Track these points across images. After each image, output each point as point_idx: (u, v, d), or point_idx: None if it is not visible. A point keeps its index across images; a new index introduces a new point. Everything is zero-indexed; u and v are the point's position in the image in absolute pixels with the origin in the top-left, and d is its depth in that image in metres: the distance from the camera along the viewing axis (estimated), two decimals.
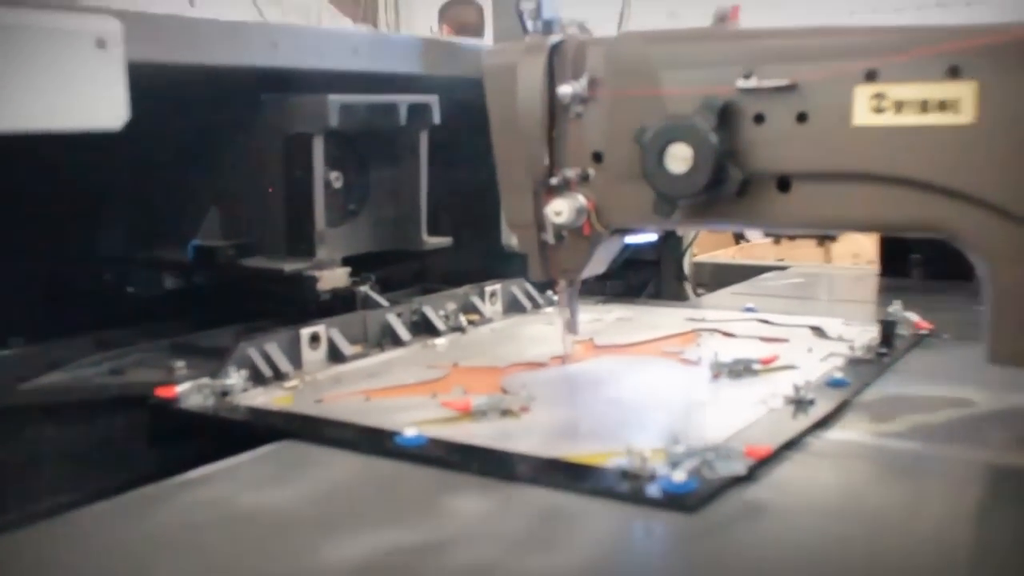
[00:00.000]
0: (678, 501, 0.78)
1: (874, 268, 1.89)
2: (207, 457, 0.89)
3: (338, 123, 1.19)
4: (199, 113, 1.20)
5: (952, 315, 1.36)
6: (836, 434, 0.94)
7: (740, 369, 1.11)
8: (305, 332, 1.14)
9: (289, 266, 1.20)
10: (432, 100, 1.32)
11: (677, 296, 1.94)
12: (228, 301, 1.29)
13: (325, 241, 1.23)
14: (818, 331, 1.32)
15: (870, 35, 0.88)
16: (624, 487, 0.80)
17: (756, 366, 1.12)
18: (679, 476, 0.80)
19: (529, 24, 1.06)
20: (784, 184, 0.94)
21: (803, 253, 2.38)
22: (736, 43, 0.94)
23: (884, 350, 1.19)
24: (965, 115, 0.85)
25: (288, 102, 1.21)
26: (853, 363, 1.14)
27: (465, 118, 1.43)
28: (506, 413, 0.98)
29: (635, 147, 0.97)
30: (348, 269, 1.24)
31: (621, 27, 1.78)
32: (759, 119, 0.93)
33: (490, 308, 1.41)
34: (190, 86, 1.11)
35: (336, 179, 1.30)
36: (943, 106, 0.85)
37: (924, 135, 0.86)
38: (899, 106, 0.87)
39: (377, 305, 1.29)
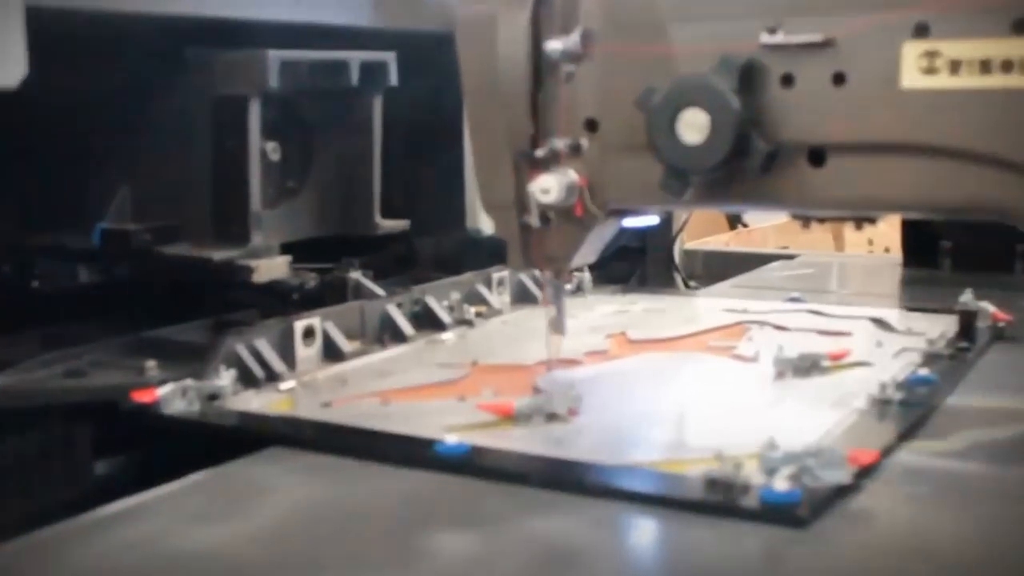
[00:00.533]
0: (785, 513, 0.78)
1: (896, 257, 1.90)
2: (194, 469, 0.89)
3: (278, 84, 1.18)
4: (110, 71, 1.18)
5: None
6: (932, 442, 0.96)
7: (807, 366, 1.13)
8: (299, 326, 1.15)
9: (218, 254, 1.19)
10: (389, 58, 1.31)
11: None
12: (141, 295, 1.28)
13: (261, 224, 1.22)
14: (881, 323, 1.35)
15: None
16: (716, 498, 0.80)
17: (825, 363, 1.14)
18: (781, 484, 0.80)
19: None
20: (817, 157, 0.93)
21: (810, 240, 2.39)
22: None
23: (965, 344, 1.21)
24: None
25: (217, 58, 1.20)
26: (932, 359, 1.17)
27: (428, 79, 1.41)
28: (552, 417, 1.00)
29: (637, 113, 0.96)
30: (288, 258, 1.23)
31: None
32: (788, 81, 0.92)
33: (498, 298, 1.45)
34: (99, 38, 1.09)
35: (273, 150, 1.28)
36: (1007, 66, 0.84)
37: (984, 100, 0.85)
38: (954, 66, 0.86)
39: (372, 295, 1.30)
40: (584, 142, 1.02)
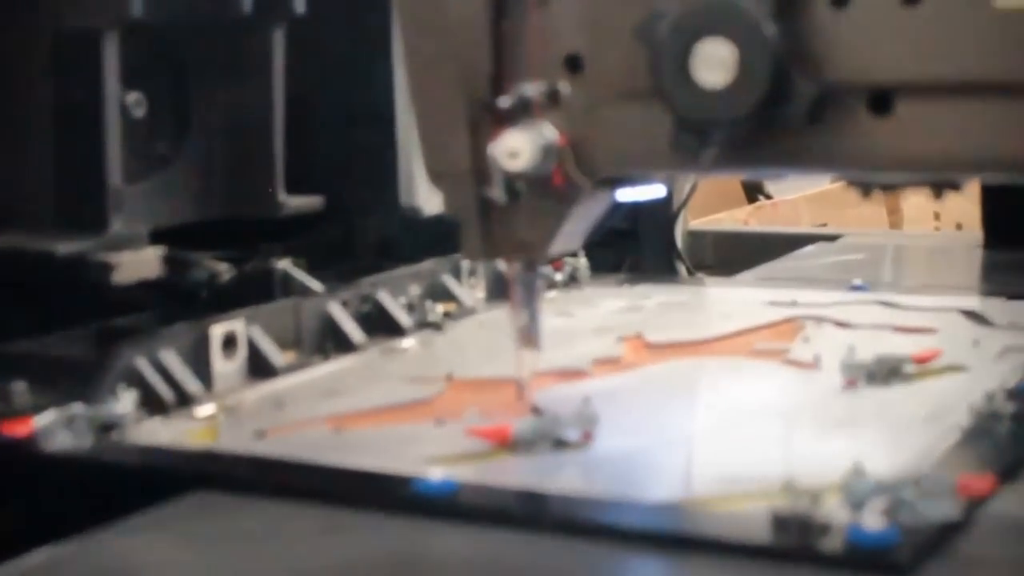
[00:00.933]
0: (879, 558, 0.79)
1: (973, 235, 1.91)
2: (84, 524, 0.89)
3: (143, 12, 1.17)
4: None
5: None
6: None
7: (886, 372, 1.16)
8: (216, 332, 1.17)
9: (64, 246, 1.17)
10: None
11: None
12: None
13: (123, 205, 1.21)
14: (975, 316, 1.39)
15: None
16: (790, 540, 0.81)
17: (909, 368, 1.17)
18: (873, 521, 0.80)
19: None
20: (881, 102, 0.93)
21: (857, 215, 2.41)
22: None
23: None
24: None
25: None
26: None
27: (342, 7, 1.42)
28: (561, 443, 1.02)
29: (637, 48, 0.96)
30: (159, 250, 1.23)
31: None
32: (841, 0, 0.92)
33: (470, 293, 1.48)
34: None
35: (136, 104, 1.28)
36: None
37: None
38: None
39: (306, 291, 1.32)
40: (564, 87, 1.02)
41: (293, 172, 1.38)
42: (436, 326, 1.38)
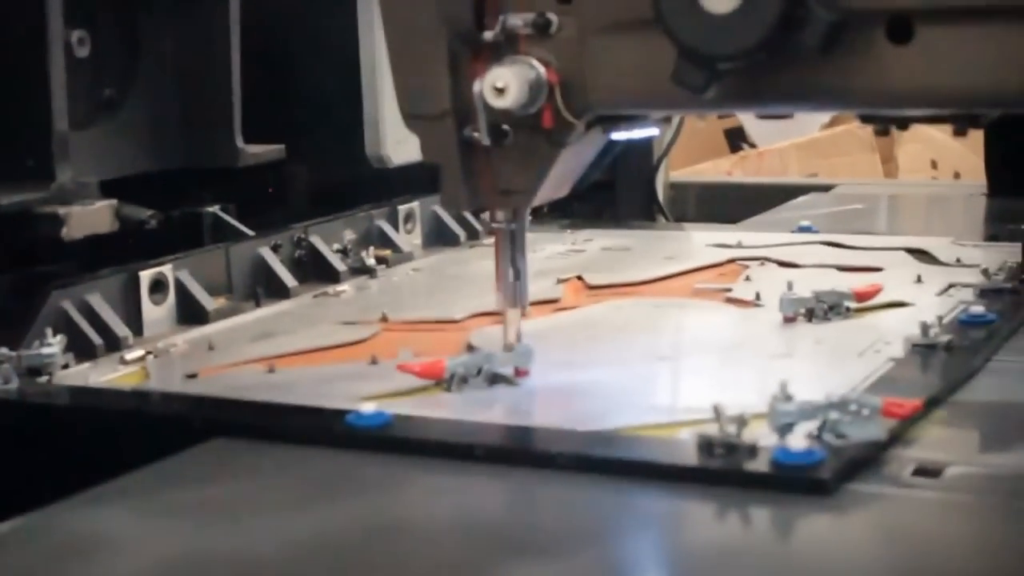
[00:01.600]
0: (804, 478, 0.83)
1: (976, 184, 1.91)
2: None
3: None
4: None
5: None
6: (987, 389, 1.03)
7: (826, 308, 1.21)
8: (145, 277, 1.20)
9: (8, 197, 1.17)
10: None
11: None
12: None
13: (69, 153, 1.21)
14: (922, 255, 1.45)
15: None
16: (716, 463, 0.85)
17: (849, 303, 1.22)
18: (798, 443, 0.85)
19: None
20: (900, 30, 0.92)
21: (850, 164, 2.41)
22: None
23: None
24: None
25: None
26: (990, 295, 1.25)
27: None
28: (496, 379, 1.05)
29: None
30: (112, 202, 1.23)
31: None
32: None
33: (407, 239, 1.53)
34: None
35: (80, 42, 1.28)
36: None
37: None
38: None
39: (239, 235, 1.36)
40: (553, 17, 1.01)
41: (251, 118, 1.38)
42: (370, 272, 1.42)
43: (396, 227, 1.50)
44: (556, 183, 1.09)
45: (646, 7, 0.94)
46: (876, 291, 1.24)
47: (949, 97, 0.94)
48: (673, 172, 2.10)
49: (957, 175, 2.49)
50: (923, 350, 1.08)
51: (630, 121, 1.09)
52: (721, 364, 1.12)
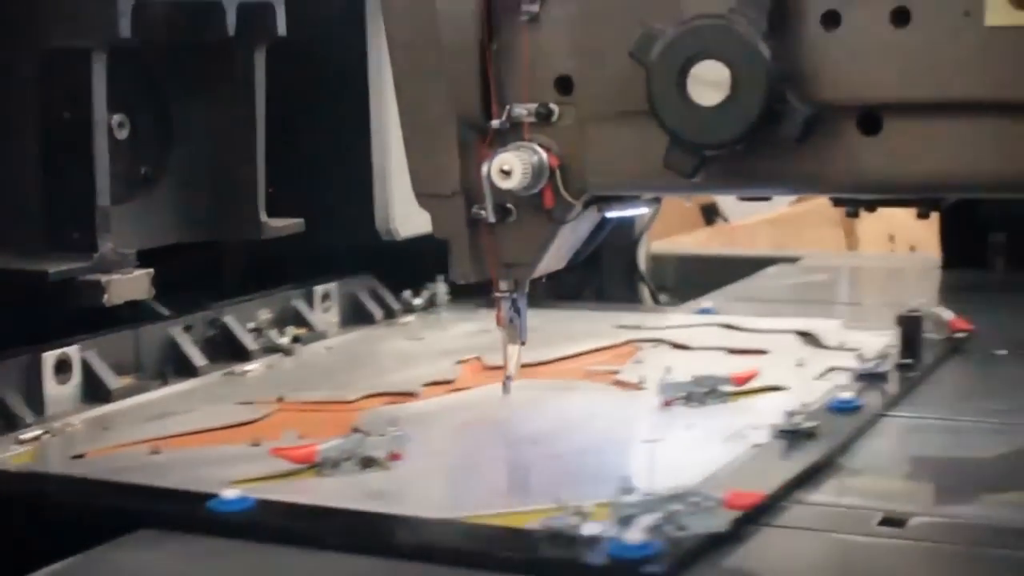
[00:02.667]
0: (640, 570, 0.80)
1: (932, 257, 1.92)
2: None
3: (131, 33, 1.17)
4: None
5: None
6: (847, 480, 0.99)
7: (702, 393, 1.17)
8: (48, 357, 1.17)
9: (55, 267, 1.17)
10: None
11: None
12: None
13: (110, 226, 1.20)
14: (809, 338, 1.41)
15: None
16: (554, 553, 0.83)
17: (726, 387, 1.18)
18: (633, 536, 0.82)
19: None
20: (871, 122, 0.94)
21: (816, 237, 2.42)
22: None
23: (908, 360, 1.26)
24: None
25: None
26: (865, 379, 1.22)
27: (324, 28, 1.42)
28: (369, 463, 1.01)
29: (625, 68, 0.97)
30: (149, 272, 1.22)
31: None
32: (832, 20, 0.93)
33: (323, 317, 1.48)
34: None
35: (120, 125, 1.28)
36: None
37: None
38: None
39: (155, 315, 1.31)
40: (554, 107, 1.02)
41: (271, 196, 1.38)
42: (285, 350, 1.38)
43: (311, 306, 1.47)
44: (554, 257, 1.10)
45: (640, 99, 0.95)
46: (752, 375, 1.21)
47: (914, 184, 0.95)
48: (653, 243, 2.11)
49: (913, 248, 2.50)
50: (787, 436, 1.04)
51: (623, 201, 1.09)
52: (590, 449, 1.08)
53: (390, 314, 1.56)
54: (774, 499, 0.92)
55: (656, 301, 1.97)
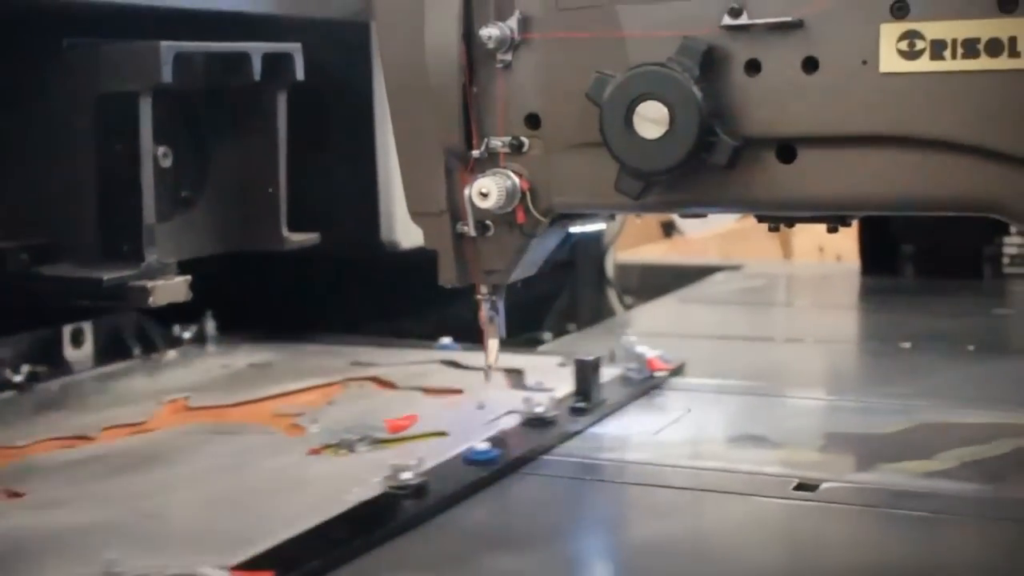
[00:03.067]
0: None
1: (853, 265, 1.94)
2: None
3: (172, 78, 1.16)
4: None
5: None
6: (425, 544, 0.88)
7: (353, 439, 1.08)
8: None
9: (109, 274, 1.17)
10: (294, 49, 1.31)
11: (599, 310, 1.96)
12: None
13: (155, 240, 1.20)
14: (516, 375, 1.31)
15: None
16: None
17: (380, 434, 1.10)
18: None
19: None
20: (787, 152, 0.94)
21: (757, 248, 2.43)
22: None
23: (581, 404, 1.17)
24: None
25: (102, 49, 1.18)
26: (527, 426, 1.13)
27: (337, 74, 1.42)
28: None
29: (583, 106, 0.97)
30: (188, 278, 1.21)
31: None
32: (753, 68, 0.94)
33: (74, 354, 1.38)
34: None
35: (164, 156, 1.28)
36: (994, 48, 0.86)
37: (970, 84, 0.87)
38: (938, 48, 0.88)
39: None
40: (525, 140, 1.03)
41: (292, 213, 1.37)
42: (18, 386, 1.29)
43: (60, 343, 1.37)
44: (527, 265, 1.10)
45: (596, 133, 0.96)
46: (408, 423, 1.13)
47: (825, 205, 0.96)
48: (619, 254, 2.12)
49: (839, 258, 2.51)
50: (395, 493, 0.94)
51: (584, 218, 1.09)
52: (201, 504, 0.97)
53: (149, 347, 1.46)
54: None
55: (622, 303, 1.99)
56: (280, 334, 1.53)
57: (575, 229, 1.11)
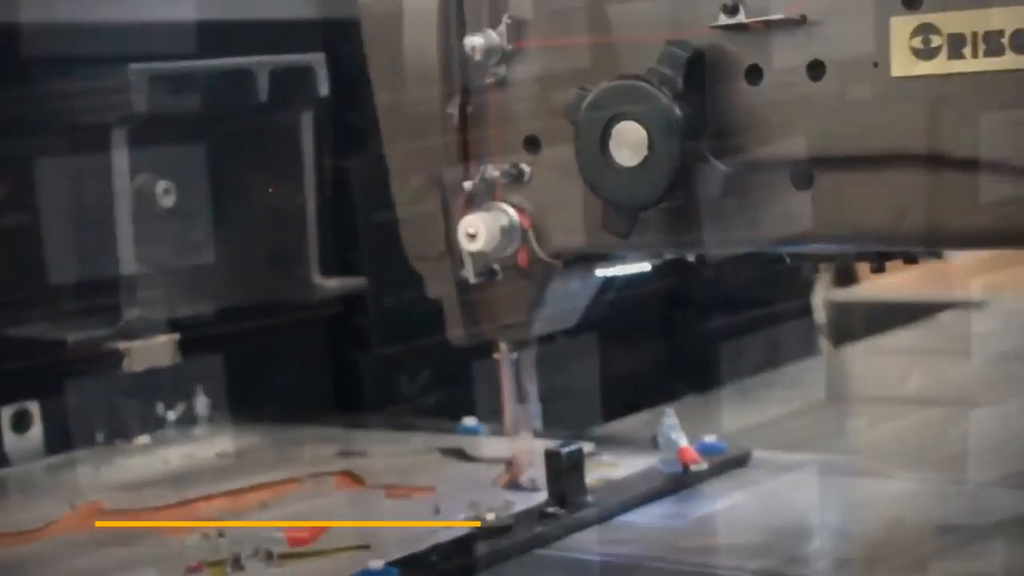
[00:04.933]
0: None
1: None
2: None
3: (147, 106, 1.25)
4: None
5: None
6: None
7: (250, 555, 1.09)
8: None
9: (75, 335, 1.25)
10: (316, 61, 1.38)
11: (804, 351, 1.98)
12: None
13: (136, 295, 1.29)
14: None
15: None
16: None
17: (280, 548, 1.11)
18: None
19: None
20: (800, 176, 0.98)
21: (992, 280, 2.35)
22: None
23: (553, 509, 1.14)
24: None
25: (68, 76, 1.27)
26: (474, 539, 1.10)
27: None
28: None
29: None
30: (174, 337, 1.30)
31: None
32: (755, 75, 0.98)
33: (16, 440, 1.39)
34: None
35: (165, 192, 1.37)
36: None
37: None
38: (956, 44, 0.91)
39: None
40: (525, 167, 1.08)
41: (325, 255, 1.45)
42: None
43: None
44: (558, 316, 1.16)
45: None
46: (314, 536, 1.12)
47: (853, 237, 0.99)
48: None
49: None
50: None
51: (610, 259, 1.13)
52: None
53: (116, 433, 1.47)
54: None
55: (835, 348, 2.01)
56: (290, 411, 1.56)
57: (604, 271, 1.15)
